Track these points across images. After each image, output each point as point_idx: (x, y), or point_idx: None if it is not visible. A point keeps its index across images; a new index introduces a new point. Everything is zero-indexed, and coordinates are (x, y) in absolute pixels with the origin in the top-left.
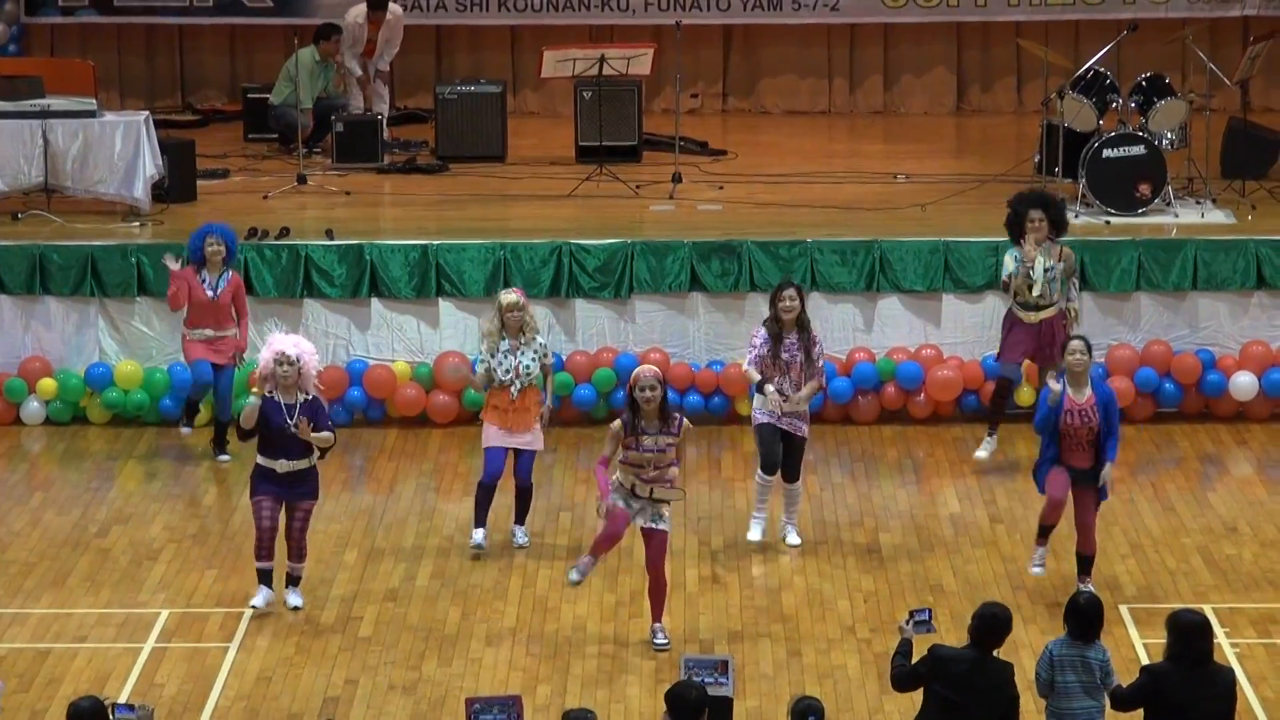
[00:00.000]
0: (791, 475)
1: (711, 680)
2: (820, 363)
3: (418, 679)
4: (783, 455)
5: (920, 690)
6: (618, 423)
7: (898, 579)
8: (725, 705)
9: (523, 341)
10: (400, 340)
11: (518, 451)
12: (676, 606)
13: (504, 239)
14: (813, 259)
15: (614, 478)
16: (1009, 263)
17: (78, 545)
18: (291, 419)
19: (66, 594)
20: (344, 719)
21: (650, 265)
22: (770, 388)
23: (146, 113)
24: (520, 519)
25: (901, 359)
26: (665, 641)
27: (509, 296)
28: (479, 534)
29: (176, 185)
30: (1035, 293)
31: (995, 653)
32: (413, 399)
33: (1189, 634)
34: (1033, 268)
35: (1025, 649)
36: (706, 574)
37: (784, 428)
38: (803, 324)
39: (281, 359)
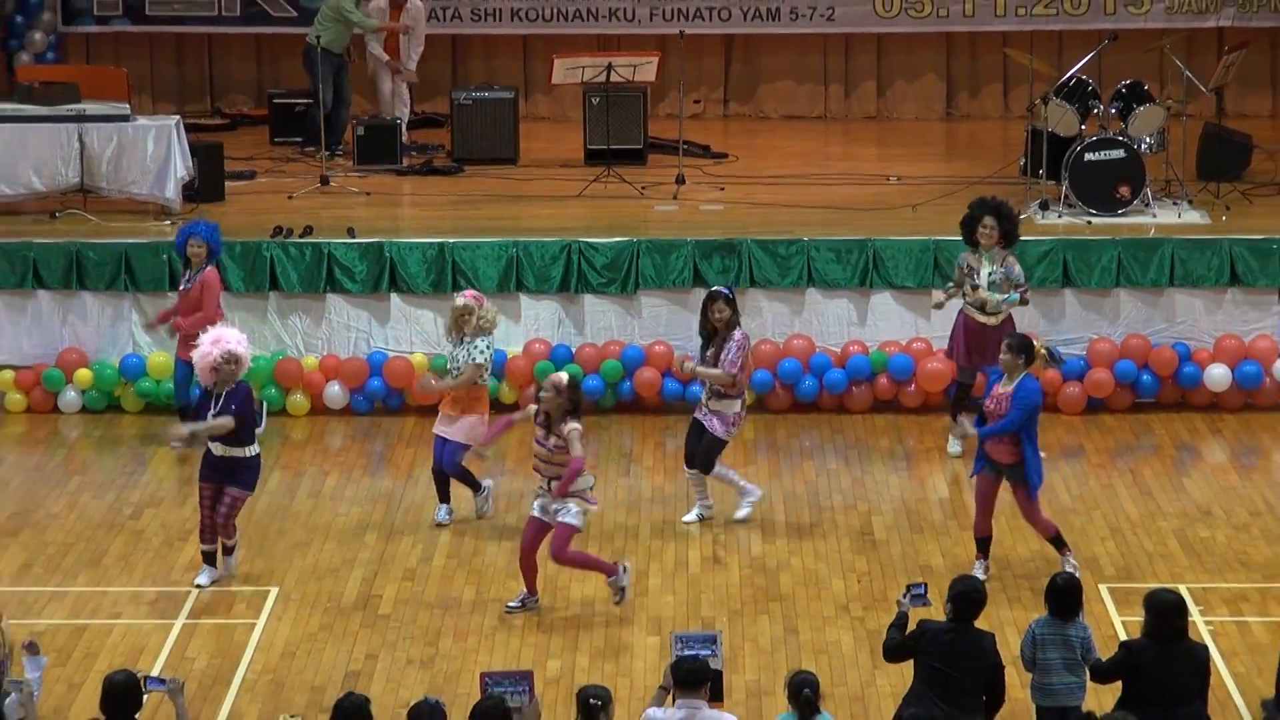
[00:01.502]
0: (704, 466)
1: (709, 654)
2: (730, 357)
3: (434, 654)
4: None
5: (908, 662)
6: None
7: (889, 560)
8: (716, 677)
9: (464, 340)
10: (418, 333)
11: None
12: (680, 585)
13: (516, 237)
14: (809, 256)
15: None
16: (956, 269)
17: (113, 527)
18: (212, 405)
19: (102, 573)
20: (364, 692)
21: (655, 262)
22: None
23: (177, 117)
24: (442, 499)
25: (893, 351)
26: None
27: (458, 300)
28: (440, 510)
29: (206, 186)
30: (981, 294)
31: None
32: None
33: (1165, 612)
34: (978, 271)
35: (1010, 627)
36: (708, 555)
37: (698, 418)
38: (728, 330)
39: (230, 358)
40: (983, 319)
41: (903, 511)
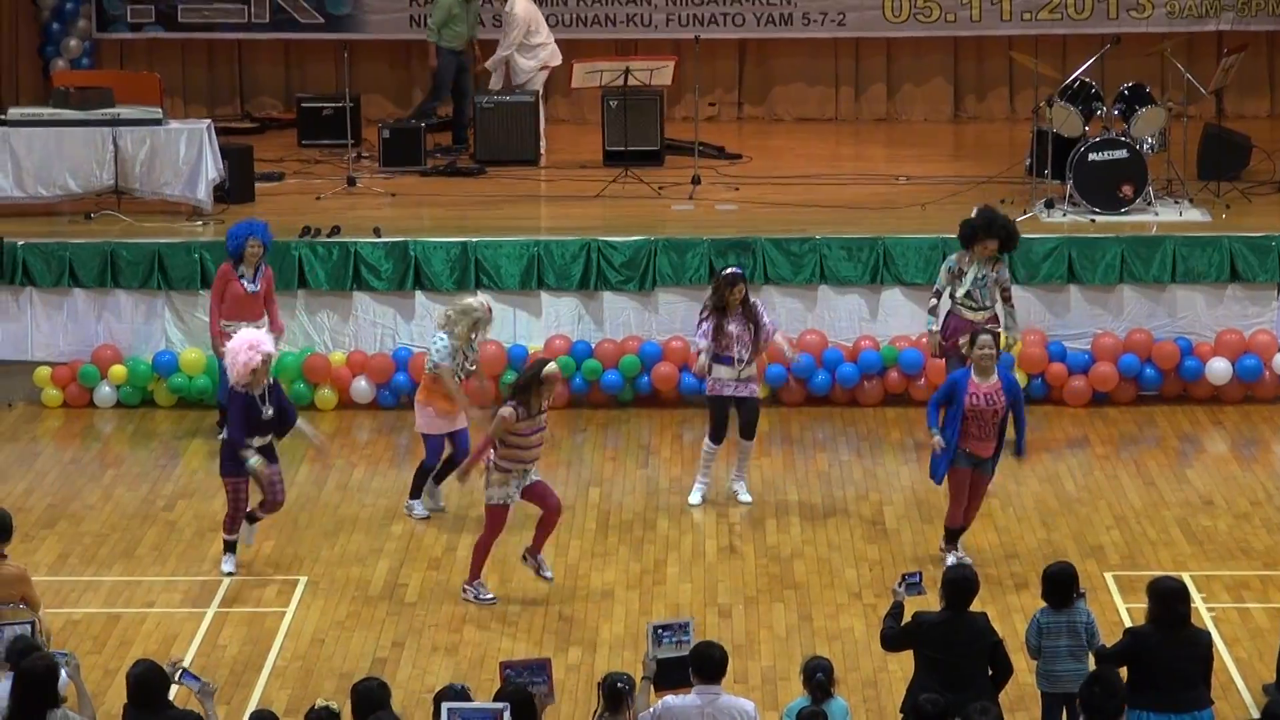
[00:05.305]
0: (747, 434)
1: (686, 640)
2: (767, 324)
3: (459, 641)
4: (740, 416)
5: (909, 650)
6: (509, 409)
7: (900, 548)
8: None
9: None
10: None
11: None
12: (697, 574)
13: (537, 236)
14: (821, 254)
15: (495, 477)
16: (942, 273)
17: (146, 518)
18: (264, 405)
19: (136, 563)
20: (390, 677)
21: (672, 260)
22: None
23: (208, 120)
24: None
25: (903, 346)
26: (549, 575)
27: (478, 302)
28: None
29: (236, 187)
30: (961, 291)
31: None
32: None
33: (1169, 599)
34: (965, 274)
35: (1018, 614)
36: (725, 545)
37: (739, 394)
38: (745, 302)
39: (269, 359)
40: (970, 315)
41: (913, 502)
